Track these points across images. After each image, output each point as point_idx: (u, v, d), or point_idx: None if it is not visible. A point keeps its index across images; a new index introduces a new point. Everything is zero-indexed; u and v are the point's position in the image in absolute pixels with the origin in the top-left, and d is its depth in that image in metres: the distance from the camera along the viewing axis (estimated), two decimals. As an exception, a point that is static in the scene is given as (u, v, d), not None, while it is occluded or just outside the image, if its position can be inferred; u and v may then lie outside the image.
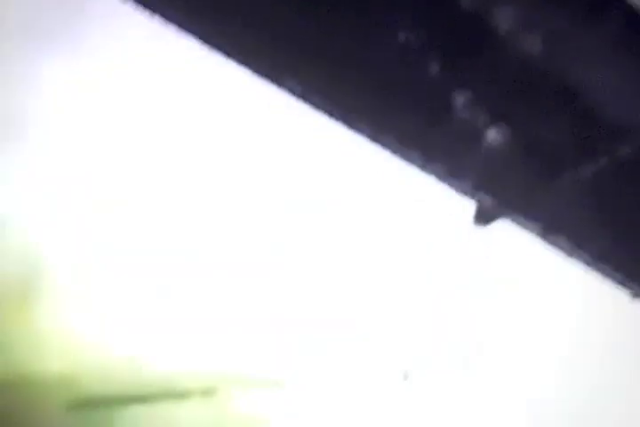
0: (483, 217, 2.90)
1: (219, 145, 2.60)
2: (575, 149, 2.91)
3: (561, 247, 3.06)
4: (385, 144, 2.75)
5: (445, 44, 2.73)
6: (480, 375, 2.91)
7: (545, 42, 2.73)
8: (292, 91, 2.61)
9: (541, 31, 2.72)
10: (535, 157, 2.89)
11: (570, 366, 3.07)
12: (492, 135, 2.83)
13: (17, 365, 2.20)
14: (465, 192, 2.87)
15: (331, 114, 2.68)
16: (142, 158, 2.48)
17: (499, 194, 2.89)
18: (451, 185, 2.85)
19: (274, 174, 2.72)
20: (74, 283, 2.32)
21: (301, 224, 2.75)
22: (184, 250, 2.51)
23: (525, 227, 2.96)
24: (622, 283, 3.10)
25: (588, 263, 3.16)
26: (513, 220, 2.95)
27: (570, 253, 3.08)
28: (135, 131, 2.48)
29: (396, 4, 2.64)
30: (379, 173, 2.82)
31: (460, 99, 2.77)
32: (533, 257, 3.05)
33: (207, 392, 2.54)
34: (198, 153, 2.59)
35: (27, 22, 2.31)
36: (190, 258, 2.53)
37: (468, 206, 2.89)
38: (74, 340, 2.32)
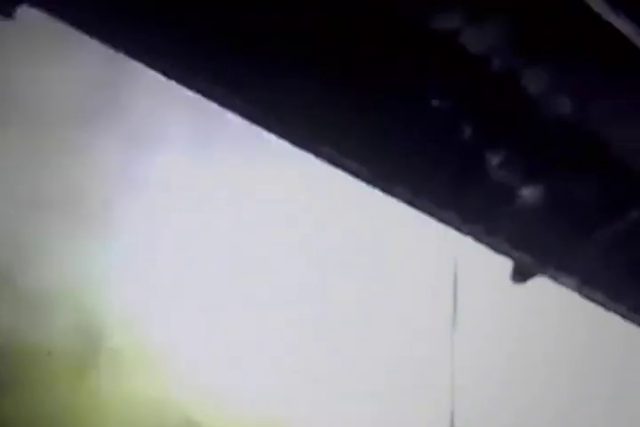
0: (520, 274, 2.94)
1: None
2: (607, 204, 2.96)
3: (597, 301, 3.10)
4: (422, 207, 2.81)
5: (477, 107, 2.79)
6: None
7: (574, 102, 2.79)
8: (331, 159, 2.67)
9: (570, 92, 2.78)
10: (569, 214, 2.94)
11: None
12: (527, 194, 2.89)
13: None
14: (502, 251, 2.92)
15: (368, 180, 2.73)
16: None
17: (535, 251, 2.94)
18: (488, 244, 2.89)
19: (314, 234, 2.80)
20: (131, 351, 2.38)
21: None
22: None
23: (562, 282, 3.00)
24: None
25: (623, 315, 3.19)
26: (549, 276, 2.99)
27: (606, 306, 3.12)
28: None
29: (427, 72, 2.70)
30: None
31: (493, 160, 2.83)
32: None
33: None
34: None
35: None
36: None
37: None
38: (132, 406, 2.38)
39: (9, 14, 2.21)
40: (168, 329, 2.54)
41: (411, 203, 2.81)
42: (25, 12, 2.24)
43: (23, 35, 2.35)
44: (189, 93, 2.49)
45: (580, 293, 3.05)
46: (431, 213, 2.84)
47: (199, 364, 2.59)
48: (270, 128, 2.65)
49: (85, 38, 2.39)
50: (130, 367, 2.45)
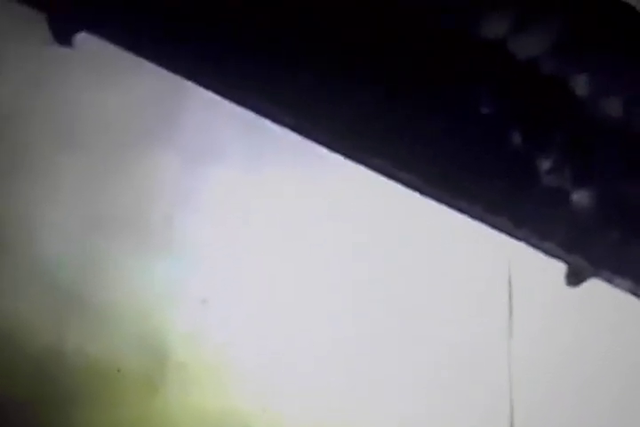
0: (575, 278, 2.96)
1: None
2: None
3: (654, 303, 3.10)
4: (475, 214, 2.83)
5: (525, 113, 2.81)
6: None
7: (625, 105, 2.80)
8: (383, 171, 2.69)
9: (620, 93, 2.78)
10: (621, 215, 2.95)
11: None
12: (578, 198, 2.90)
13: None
14: (555, 255, 2.93)
15: (419, 188, 2.76)
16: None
17: (588, 255, 2.95)
18: (541, 249, 2.91)
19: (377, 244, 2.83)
20: (197, 365, 2.43)
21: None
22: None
23: (616, 284, 3.01)
24: None
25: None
26: (604, 278, 3.00)
27: (662, 307, 3.12)
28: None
29: (477, 80, 2.72)
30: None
31: (544, 165, 2.84)
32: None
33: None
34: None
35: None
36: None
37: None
38: (199, 418, 2.43)
39: (68, 42, 2.26)
40: (231, 341, 2.59)
41: (462, 209, 2.84)
42: (82, 38, 2.30)
43: (84, 58, 2.41)
44: (242, 110, 2.54)
45: (635, 294, 3.05)
46: (484, 220, 2.87)
47: (262, 374, 2.63)
48: (321, 141, 2.69)
49: (140, 60, 2.45)
50: (195, 381, 2.50)
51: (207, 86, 2.52)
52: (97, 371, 2.41)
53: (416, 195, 2.74)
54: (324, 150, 2.65)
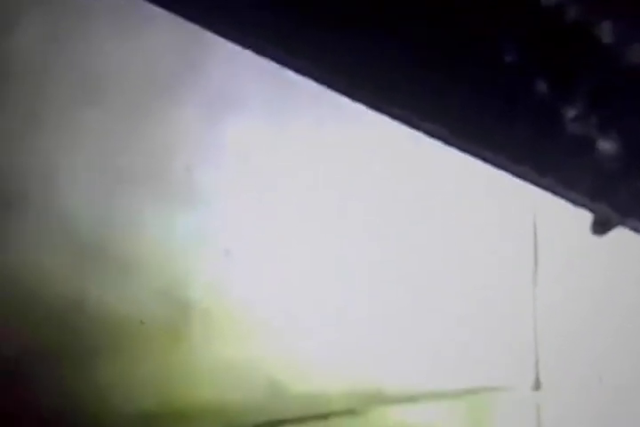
0: (600, 226, 2.94)
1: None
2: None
3: (681, 250, 3.08)
4: (499, 163, 2.81)
5: (551, 61, 2.77)
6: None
7: (652, 50, 2.75)
8: (406, 121, 2.67)
9: (646, 41, 2.74)
10: (648, 164, 2.92)
11: None
12: (604, 146, 2.87)
13: (171, 396, 2.33)
14: (581, 203, 2.91)
15: (445, 140, 2.73)
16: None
17: (615, 203, 2.93)
18: (566, 197, 2.89)
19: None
20: (220, 315, 2.44)
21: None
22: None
23: (643, 233, 2.99)
24: None
25: None
26: (630, 227, 2.98)
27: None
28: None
29: (500, 26, 2.69)
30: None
31: (569, 113, 2.81)
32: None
33: (349, 412, 2.63)
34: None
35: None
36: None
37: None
38: (222, 370, 2.44)
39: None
40: (254, 292, 2.59)
41: (487, 159, 2.82)
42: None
43: (103, 10, 2.39)
44: (265, 61, 2.51)
45: (663, 242, 3.03)
46: (508, 169, 2.84)
47: (285, 324, 2.64)
48: (342, 91, 2.66)
49: (160, 10, 2.42)
50: (219, 332, 2.51)
51: (226, 36, 2.50)
52: (120, 323, 2.42)
53: (439, 148, 2.72)
54: (346, 101, 2.62)
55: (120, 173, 2.41)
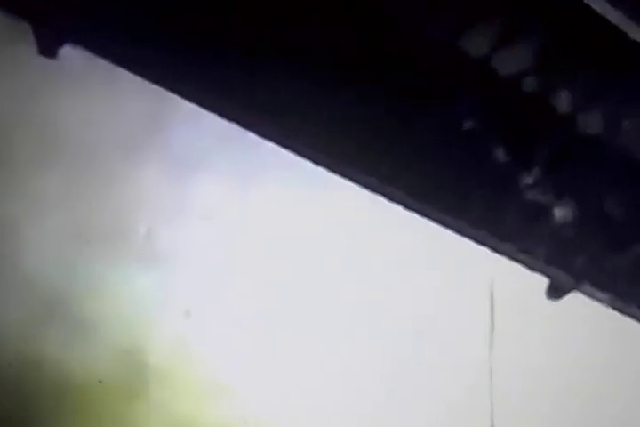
0: (556, 291, 2.99)
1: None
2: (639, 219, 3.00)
3: (631, 315, 3.13)
4: (457, 228, 2.85)
5: (508, 129, 2.84)
6: None
7: (606, 119, 2.83)
8: (366, 184, 2.71)
9: (601, 110, 2.82)
10: (603, 230, 2.99)
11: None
12: (560, 212, 2.93)
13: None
14: (536, 268, 2.96)
15: (403, 203, 2.77)
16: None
17: (569, 268, 2.98)
18: (523, 262, 2.93)
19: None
20: (179, 376, 2.44)
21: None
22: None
23: (597, 298, 3.04)
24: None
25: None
26: (584, 292, 3.03)
27: (641, 319, 3.15)
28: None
29: (460, 95, 2.75)
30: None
31: (526, 180, 2.87)
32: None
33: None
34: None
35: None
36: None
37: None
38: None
39: (53, 54, 2.27)
40: (214, 353, 2.60)
41: (445, 224, 2.86)
42: (68, 51, 2.31)
43: (66, 72, 2.42)
44: (228, 123, 2.55)
45: (615, 308, 3.08)
46: (466, 234, 2.89)
47: (244, 386, 2.64)
48: (304, 155, 2.70)
49: (125, 72, 2.46)
50: (178, 393, 2.51)
51: (190, 98, 2.54)
52: (78, 383, 2.41)
53: (402, 210, 2.75)
54: (310, 165, 2.66)
55: (82, 232, 2.42)
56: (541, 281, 3.05)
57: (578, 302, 3.04)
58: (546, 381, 3.07)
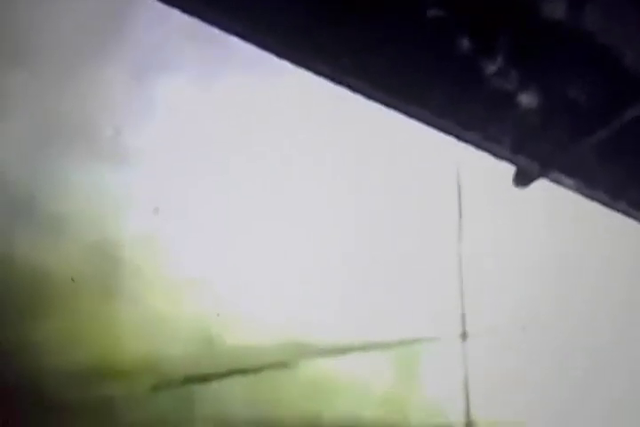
0: (522, 178, 3.01)
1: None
2: (603, 105, 3.01)
3: (599, 200, 3.16)
4: (421, 117, 2.85)
5: (471, 17, 2.82)
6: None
7: (569, 5, 2.81)
8: (330, 76, 2.70)
9: (565, -5, 2.79)
10: (568, 116, 3.00)
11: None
12: (524, 99, 2.94)
13: (104, 352, 2.35)
14: (503, 156, 2.97)
15: (366, 93, 2.77)
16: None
17: (535, 155, 3.00)
18: (489, 151, 2.95)
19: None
20: (149, 270, 2.46)
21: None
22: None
23: (564, 184, 3.07)
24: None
25: (625, 212, 3.26)
26: (551, 178, 3.05)
27: (607, 204, 3.19)
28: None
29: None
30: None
31: (490, 68, 2.87)
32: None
33: (281, 365, 2.68)
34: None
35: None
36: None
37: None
38: (153, 325, 2.47)
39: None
40: (183, 248, 2.62)
41: (409, 113, 2.86)
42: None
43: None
44: (193, 21, 2.53)
45: (582, 193, 3.11)
46: (431, 123, 2.89)
47: (215, 279, 2.67)
48: (267, 48, 2.68)
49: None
50: (149, 288, 2.54)
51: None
52: (50, 280, 2.43)
53: (366, 102, 2.75)
54: (276, 60, 2.64)
55: (49, 133, 2.41)
56: (508, 169, 3.07)
57: (544, 188, 3.07)
58: (514, 265, 3.13)
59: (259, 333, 2.73)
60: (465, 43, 2.78)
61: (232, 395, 2.70)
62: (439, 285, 3.06)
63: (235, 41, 2.57)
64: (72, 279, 2.49)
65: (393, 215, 2.96)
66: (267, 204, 2.76)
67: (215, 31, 2.57)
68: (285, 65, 2.65)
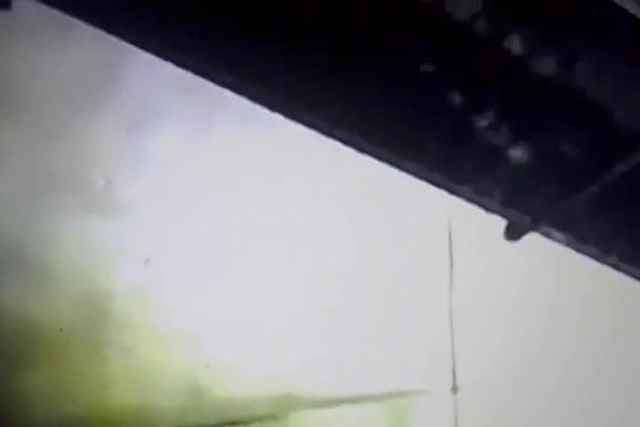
0: (513, 232, 3.02)
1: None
2: (595, 159, 3.03)
3: (589, 254, 3.17)
4: (413, 171, 2.87)
5: (463, 72, 2.85)
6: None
7: (560, 62, 2.85)
8: (316, 127, 2.73)
9: (555, 52, 2.83)
10: (558, 171, 3.02)
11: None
12: (515, 154, 2.96)
13: (92, 402, 2.34)
14: (494, 210, 2.99)
15: (359, 147, 2.79)
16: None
17: (526, 209, 3.02)
18: (479, 204, 2.97)
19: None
20: (140, 324, 2.47)
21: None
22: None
23: (554, 238, 3.08)
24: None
25: (615, 266, 3.27)
26: (542, 232, 3.06)
27: (598, 258, 3.20)
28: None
29: (416, 40, 2.76)
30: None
31: (481, 122, 2.90)
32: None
33: (270, 417, 2.67)
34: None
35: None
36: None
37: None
38: (142, 376, 2.46)
39: (6, 5, 2.26)
40: (173, 300, 2.63)
41: (401, 167, 2.88)
42: (21, 2, 2.30)
43: (22, 24, 2.41)
44: (185, 73, 2.55)
45: (573, 247, 3.12)
46: (422, 177, 2.91)
47: (205, 331, 2.68)
48: (260, 101, 2.71)
49: (80, 23, 2.46)
50: (138, 338, 2.54)
51: (146, 47, 2.54)
52: (38, 330, 2.44)
53: (357, 157, 2.77)
54: (265, 111, 2.67)
55: (41, 182, 2.43)
56: (500, 222, 3.08)
57: (537, 243, 3.08)
58: (505, 318, 3.13)
59: (248, 385, 2.72)
60: (456, 97, 2.81)
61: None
62: (430, 337, 3.06)
63: (227, 93, 2.60)
64: (60, 330, 2.49)
65: (384, 267, 2.97)
66: (256, 258, 2.77)
67: (208, 83, 2.60)
68: (278, 117, 2.68)
